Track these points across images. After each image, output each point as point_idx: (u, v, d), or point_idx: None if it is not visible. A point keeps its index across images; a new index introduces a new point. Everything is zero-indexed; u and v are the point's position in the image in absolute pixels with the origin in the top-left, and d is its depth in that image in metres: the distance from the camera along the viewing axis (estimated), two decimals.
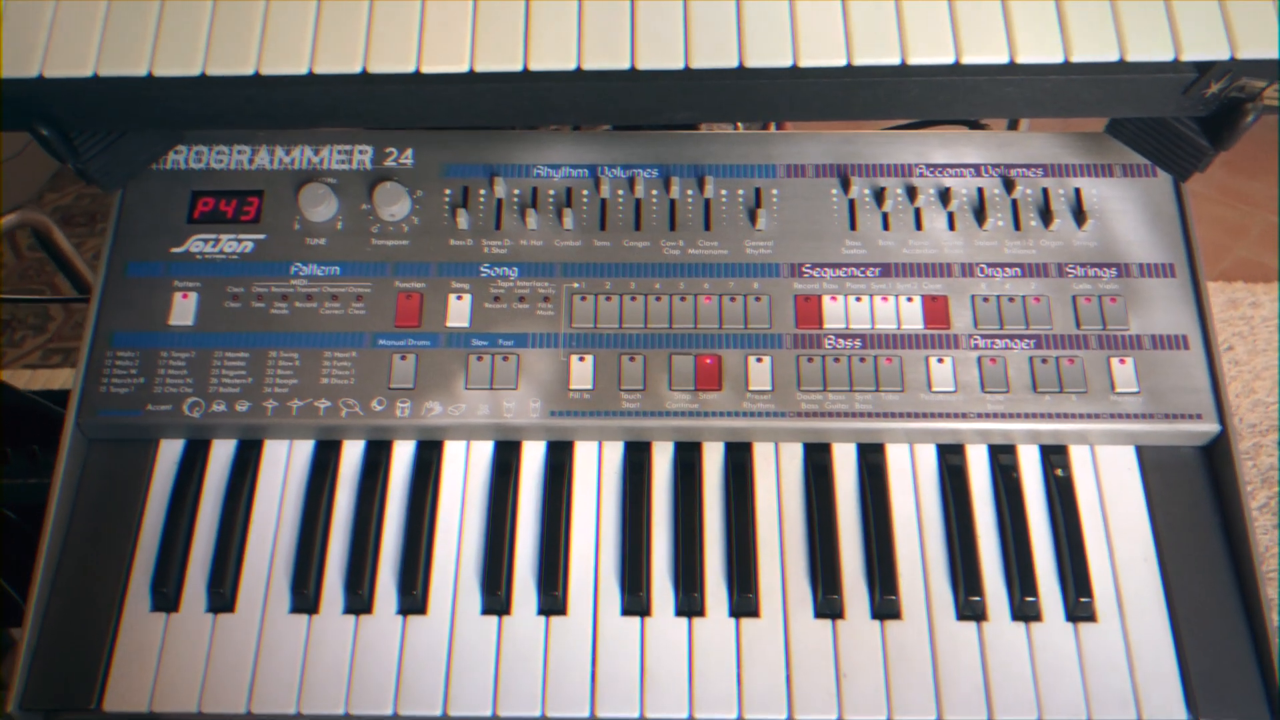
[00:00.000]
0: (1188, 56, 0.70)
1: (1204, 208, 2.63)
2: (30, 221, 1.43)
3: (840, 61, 0.71)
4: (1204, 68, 0.71)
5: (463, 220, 0.87)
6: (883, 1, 0.72)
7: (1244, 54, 0.70)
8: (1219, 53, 0.70)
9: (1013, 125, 1.26)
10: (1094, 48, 0.71)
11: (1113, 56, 0.70)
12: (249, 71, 0.71)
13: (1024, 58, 0.71)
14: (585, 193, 0.89)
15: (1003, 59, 0.71)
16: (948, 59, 0.71)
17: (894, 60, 0.71)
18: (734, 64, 0.71)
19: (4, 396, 1.32)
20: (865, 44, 0.71)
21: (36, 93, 0.72)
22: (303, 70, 0.71)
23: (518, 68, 0.72)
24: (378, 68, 0.72)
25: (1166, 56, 0.70)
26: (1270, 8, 0.71)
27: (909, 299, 0.85)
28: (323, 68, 0.71)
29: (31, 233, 1.48)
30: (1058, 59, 0.71)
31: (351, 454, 0.84)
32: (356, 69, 0.71)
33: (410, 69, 0.72)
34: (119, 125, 0.80)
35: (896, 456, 0.84)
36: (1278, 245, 2.56)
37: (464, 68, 0.72)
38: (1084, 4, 0.72)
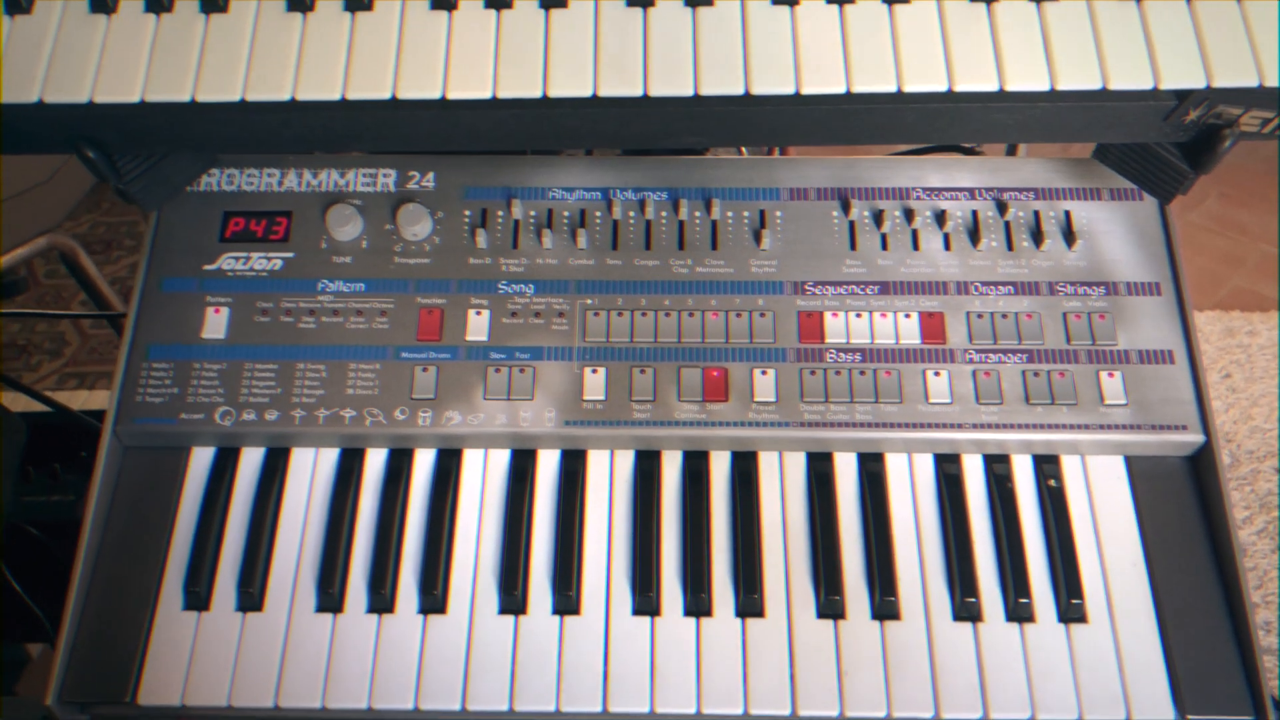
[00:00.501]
0: (1166, 85, 0.75)
1: (1201, 238, 2.67)
2: (59, 245, 1.48)
3: (840, 89, 0.75)
4: (1183, 95, 0.75)
5: (482, 240, 0.92)
6: (880, 32, 0.77)
7: (1219, 82, 0.74)
8: (1196, 81, 0.74)
9: (1010, 151, 1.31)
10: (1078, 76, 0.75)
11: (1096, 85, 0.75)
12: (286, 97, 0.76)
13: (1012, 85, 0.75)
14: (598, 214, 0.93)
15: (992, 87, 0.75)
16: (941, 86, 0.75)
17: (890, 88, 0.75)
18: (740, 91, 0.76)
19: (27, 415, 1.36)
20: (864, 72, 0.75)
21: (86, 117, 0.77)
22: (336, 96, 0.76)
23: (537, 94, 0.76)
24: (406, 94, 0.76)
25: (1146, 85, 0.75)
26: (1243, 39, 0.75)
27: (907, 315, 0.89)
28: (355, 94, 0.76)
29: (59, 256, 1.53)
30: (1044, 87, 0.75)
31: (375, 461, 0.88)
32: (387, 95, 0.76)
33: (437, 95, 0.76)
34: (161, 148, 0.85)
35: (895, 465, 0.87)
36: (1275, 275, 2.60)
37: (487, 94, 0.76)
38: (1068, 35, 0.76)
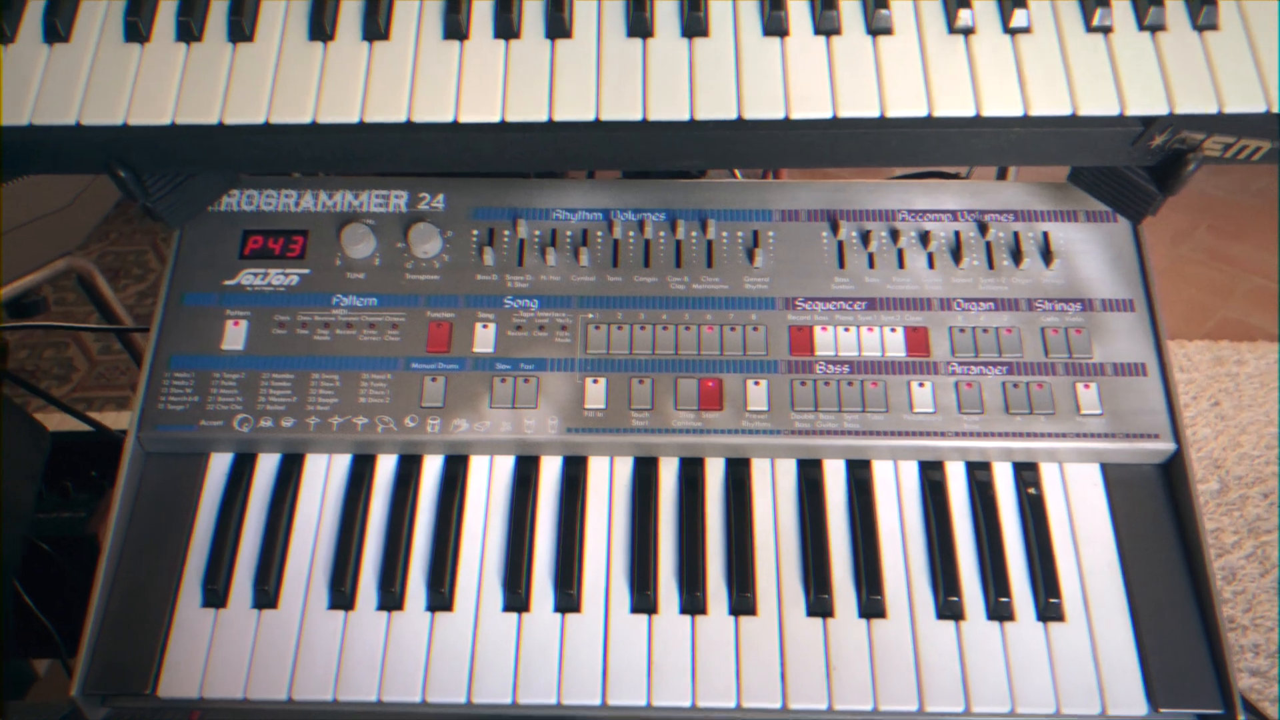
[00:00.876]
0: (1132, 111, 0.80)
1: (1191, 270, 2.73)
2: (77, 267, 1.53)
3: (827, 114, 0.80)
4: (1148, 121, 0.80)
5: (489, 258, 0.96)
6: (864, 62, 0.82)
7: (1181, 109, 0.79)
8: (1159, 108, 0.79)
9: (1001, 175, 1.36)
10: (1049, 103, 0.80)
11: (1066, 111, 0.80)
12: (307, 120, 0.81)
13: (988, 111, 0.80)
14: (599, 234, 0.98)
15: (970, 112, 0.80)
16: (921, 112, 0.80)
17: (874, 113, 0.80)
18: (733, 116, 0.80)
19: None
20: (849, 98, 0.80)
21: (119, 138, 0.82)
22: (354, 119, 0.81)
23: (543, 118, 0.81)
24: (421, 117, 0.81)
25: (1113, 111, 0.80)
26: (1203, 69, 0.80)
27: (892, 330, 0.94)
28: (372, 117, 0.81)
29: (76, 279, 1.58)
30: (1018, 112, 0.80)
31: (385, 467, 0.92)
32: (402, 118, 0.81)
33: (449, 119, 0.81)
34: (189, 168, 0.90)
35: (882, 472, 0.91)
36: (1263, 306, 2.65)
37: (496, 118, 0.81)
38: (1040, 65, 0.81)
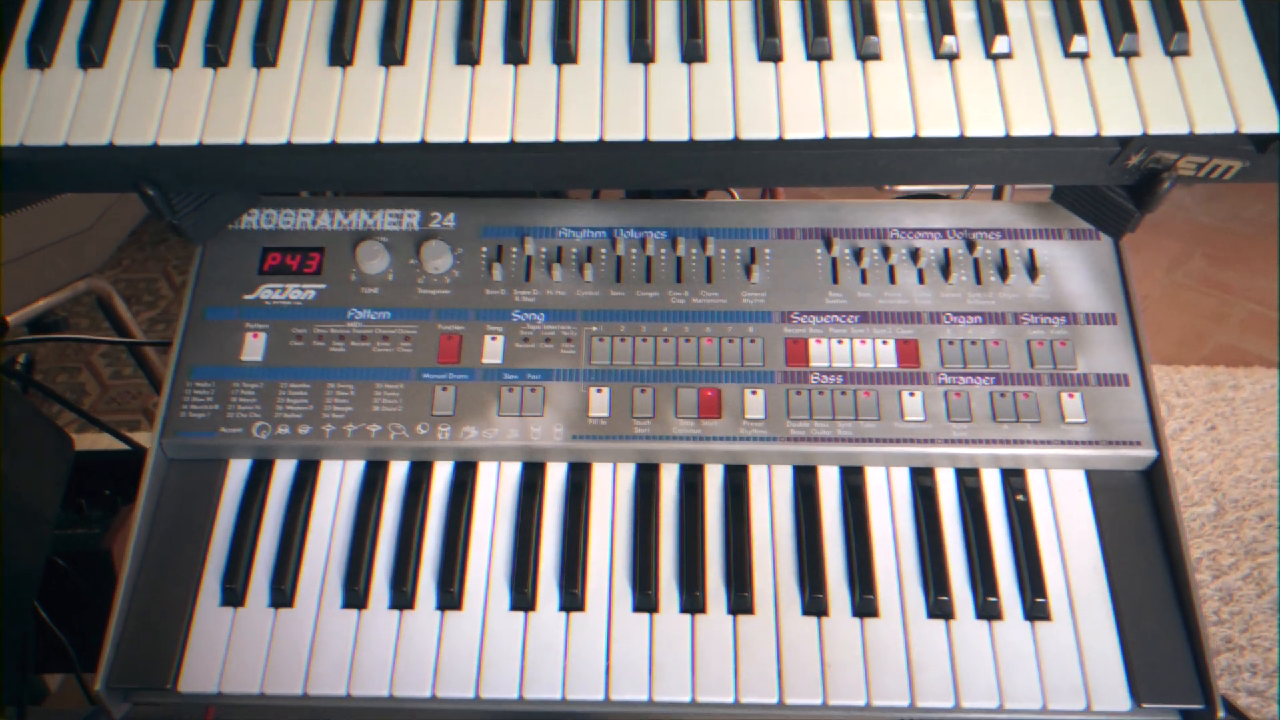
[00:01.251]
0: (1108, 132, 0.84)
1: (1187, 296, 2.76)
2: (96, 289, 1.58)
3: (819, 134, 0.85)
4: (1124, 142, 0.85)
5: (497, 273, 1.01)
6: (854, 86, 0.86)
7: (1155, 130, 0.83)
8: (1134, 129, 0.84)
9: (997, 195, 1.41)
10: (1029, 124, 0.84)
11: (1045, 131, 0.84)
12: (327, 140, 0.86)
13: (972, 131, 0.84)
14: (603, 251, 1.02)
15: (954, 133, 0.84)
16: (908, 132, 0.84)
17: (863, 133, 0.85)
18: (730, 136, 0.85)
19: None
20: (839, 120, 0.85)
21: (149, 158, 0.87)
22: (372, 139, 0.86)
23: (550, 139, 0.85)
24: (435, 137, 0.85)
25: (1090, 132, 0.84)
26: (1175, 92, 0.85)
27: (884, 342, 0.97)
28: (389, 137, 0.85)
29: (95, 300, 1.63)
30: (1000, 133, 0.84)
31: (397, 472, 0.96)
32: (416, 138, 0.85)
33: (461, 139, 0.85)
34: (214, 186, 0.94)
35: (874, 478, 0.95)
36: (1257, 331, 2.68)
37: (506, 138, 0.85)
38: (1021, 88, 0.85)
